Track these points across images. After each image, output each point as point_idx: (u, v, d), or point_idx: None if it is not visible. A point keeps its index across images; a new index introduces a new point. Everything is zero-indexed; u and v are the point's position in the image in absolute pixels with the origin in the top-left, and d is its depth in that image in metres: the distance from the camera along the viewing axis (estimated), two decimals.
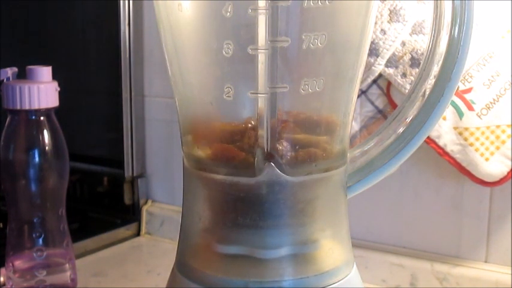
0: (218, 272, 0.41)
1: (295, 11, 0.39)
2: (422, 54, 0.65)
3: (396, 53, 0.67)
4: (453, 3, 0.42)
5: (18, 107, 0.61)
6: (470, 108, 0.66)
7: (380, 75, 0.69)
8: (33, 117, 0.63)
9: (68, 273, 0.66)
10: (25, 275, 0.64)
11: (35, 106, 0.62)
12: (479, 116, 0.66)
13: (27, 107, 0.61)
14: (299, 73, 0.40)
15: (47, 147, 0.63)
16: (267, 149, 0.40)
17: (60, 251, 0.66)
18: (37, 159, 0.63)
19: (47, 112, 0.63)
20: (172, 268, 0.45)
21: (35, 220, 0.64)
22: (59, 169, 0.65)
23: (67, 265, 0.66)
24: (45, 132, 0.63)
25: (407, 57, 0.67)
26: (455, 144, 0.67)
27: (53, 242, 0.65)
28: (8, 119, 0.63)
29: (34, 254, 0.64)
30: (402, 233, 0.75)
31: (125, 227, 0.91)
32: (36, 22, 1.01)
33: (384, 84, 0.70)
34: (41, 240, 0.64)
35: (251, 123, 0.40)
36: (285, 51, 0.39)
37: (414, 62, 0.66)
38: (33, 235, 0.64)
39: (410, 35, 0.66)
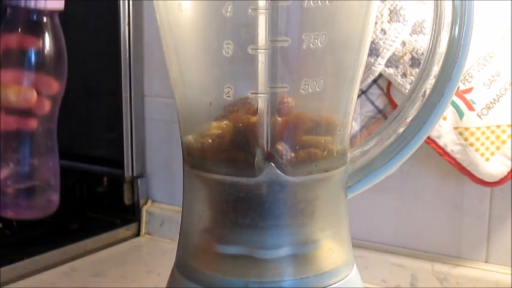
0: (218, 272, 0.41)
1: (295, 11, 0.39)
2: (423, 54, 0.64)
3: (396, 53, 0.67)
4: (453, 3, 0.42)
5: (22, 5, 0.56)
6: (471, 108, 0.66)
7: (380, 75, 0.69)
8: (35, 17, 0.58)
9: (50, 193, 0.61)
10: (5, 186, 0.59)
11: (41, 6, 0.57)
12: (479, 116, 0.66)
13: (32, 6, 0.56)
14: (299, 73, 0.40)
15: (46, 51, 0.58)
16: (267, 149, 0.40)
17: (46, 168, 0.61)
18: (34, 61, 0.58)
19: (50, 14, 0.58)
20: (172, 268, 0.45)
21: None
22: (56, 75, 0.59)
23: (51, 183, 0.61)
24: (46, 35, 0.58)
25: (407, 57, 0.67)
26: (456, 144, 0.67)
27: (39, 155, 0.60)
28: (7, 15, 0.58)
29: (16, 166, 0.59)
30: (402, 233, 0.75)
31: (124, 227, 0.91)
32: None
33: (384, 84, 0.70)
34: (26, 152, 0.59)
35: (251, 123, 0.40)
36: (285, 51, 0.39)
37: (414, 62, 0.66)
38: (18, 146, 0.59)
39: (411, 34, 0.66)
